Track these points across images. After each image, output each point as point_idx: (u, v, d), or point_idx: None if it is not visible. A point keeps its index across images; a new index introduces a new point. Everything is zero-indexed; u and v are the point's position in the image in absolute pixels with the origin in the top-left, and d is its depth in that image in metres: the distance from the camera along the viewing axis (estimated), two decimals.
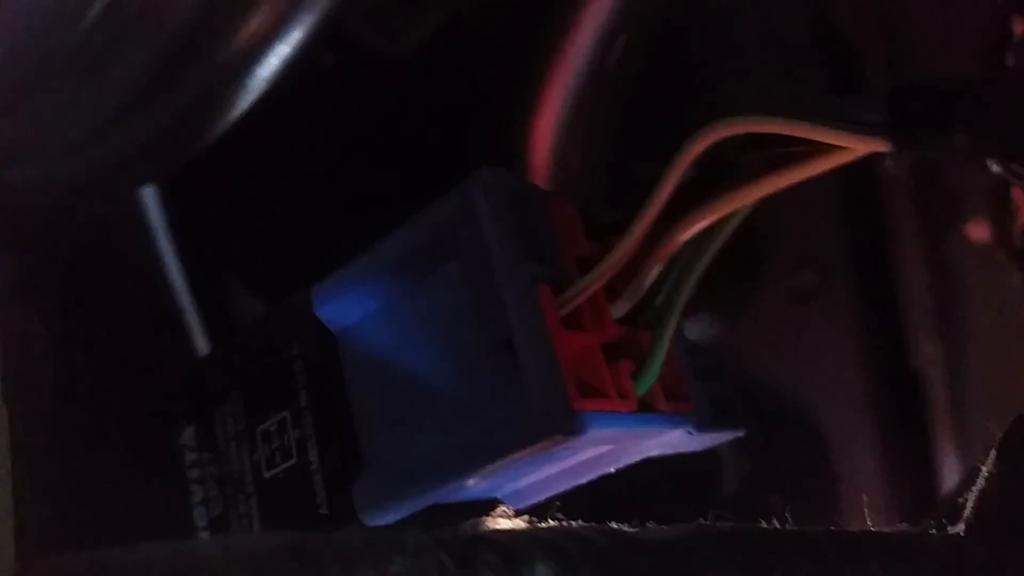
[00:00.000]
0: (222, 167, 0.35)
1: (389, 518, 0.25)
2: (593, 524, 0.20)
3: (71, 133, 0.32)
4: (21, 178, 0.33)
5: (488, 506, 0.27)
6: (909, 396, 0.45)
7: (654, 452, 0.28)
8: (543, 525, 0.20)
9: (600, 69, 0.43)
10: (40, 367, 0.23)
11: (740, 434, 0.29)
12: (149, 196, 0.39)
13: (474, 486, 0.25)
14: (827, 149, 0.23)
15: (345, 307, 0.26)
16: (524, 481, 0.27)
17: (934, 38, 0.42)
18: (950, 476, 0.45)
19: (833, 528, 0.24)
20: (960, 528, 0.25)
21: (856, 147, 0.23)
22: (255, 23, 0.31)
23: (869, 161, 0.23)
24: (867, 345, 0.46)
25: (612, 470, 0.28)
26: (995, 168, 0.21)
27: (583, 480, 0.28)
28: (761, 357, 0.46)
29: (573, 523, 0.21)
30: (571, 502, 0.28)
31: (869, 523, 0.43)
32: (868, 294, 0.45)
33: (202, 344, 0.39)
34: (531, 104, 0.43)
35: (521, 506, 0.28)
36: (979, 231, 0.43)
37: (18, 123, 0.31)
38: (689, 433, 0.26)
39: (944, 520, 0.25)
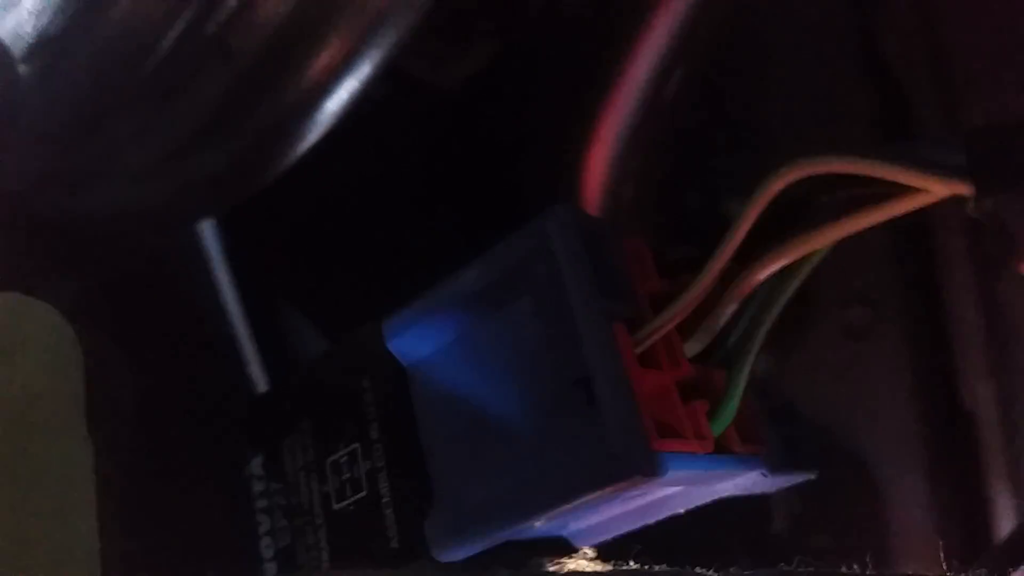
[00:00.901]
0: (278, 199, 0.35)
1: (460, 554, 0.25)
2: (677, 569, 0.20)
3: (139, 162, 0.32)
4: (86, 205, 0.34)
5: (557, 544, 0.27)
6: (961, 436, 0.44)
7: (725, 494, 0.27)
8: (625, 568, 0.20)
9: (655, 103, 0.43)
10: (121, 397, 0.23)
11: (812, 476, 0.28)
12: (206, 227, 0.40)
13: (542, 524, 0.24)
14: (906, 191, 0.23)
15: (416, 340, 0.26)
16: (592, 520, 0.27)
17: (985, 72, 0.41)
18: (1003, 518, 0.44)
19: (910, 574, 0.24)
20: None
21: (937, 190, 0.22)
22: (325, 57, 0.31)
23: None
24: (919, 383, 0.45)
25: (682, 511, 0.28)
26: None
27: (650, 520, 0.28)
28: (811, 394, 0.46)
29: (656, 567, 0.20)
30: (624, 539, 0.28)
31: (918, 566, 0.43)
32: (920, 331, 0.45)
33: (259, 376, 0.39)
34: (584, 137, 0.43)
35: (585, 545, 0.28)
36: None
37: (88, 150, 0.31)
38: (763, 475, 0.26)
39: (1007, 564, 0.25)
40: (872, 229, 0.45)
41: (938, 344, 0.44)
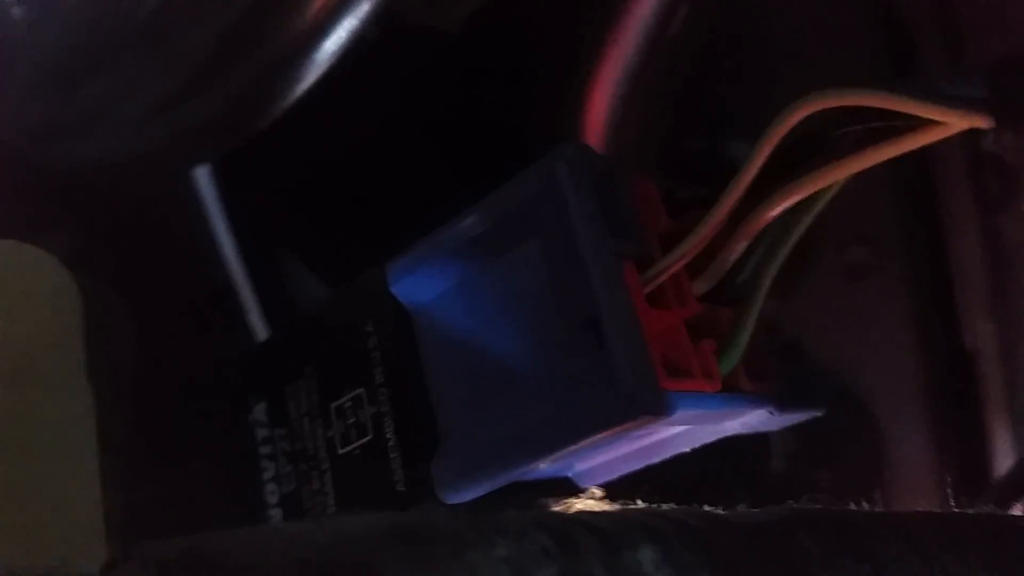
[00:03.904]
0: (273, 145, 0.35)
1: (466, 496, 0.25)
2: (685, 507, 0.20)
3: (134, 109, 0.32)
4: (83, 152, 0.33)
5: (563, 485, 0.27)
6: (962, 374, 0.44)
7: (731, 432, 0.27)
8: (634, 507, 0.20)
9: (659, 42, 0.42)
10: (121, 344, 0.23)
11: (819, 413, 0.28)
12: (201, 174, 0.39)
13: (548, 466, 0.24)
14: (923, 124, 0.23)
15: (421, 284, 0.26)
16: (597, 460, 0.27)
17: (991, 14, 0.41)
18: (1003, 455, 0.44)
19: (920, 510, 0.24)
20: None
21: (956, 123, 0.22)
22: None
23: None
24: (920, 323, 0.45)
25: (687, 450, 0.28)
26: None
27: (655, 460, 0.28)
28: (812, 333, 0.46)
29: (664, 506, 0.20)
30: (629, 479, 0.28)
31: (920, 501, 0.43)
32: (922, 271, 0.45)
33: (259, 324, 0.39)
34: (586, 78, 0.43)
35: (591, 485, 0.28)
36: None
37: (81, 98, 0.31)
38: (771, 413, 0.26)
39: (1008, 499, 0.25)
40: (873, 169, 0.45)
41: (939, 283, 0.44)
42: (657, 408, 0.22)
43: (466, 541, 0.16)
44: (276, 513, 0.29)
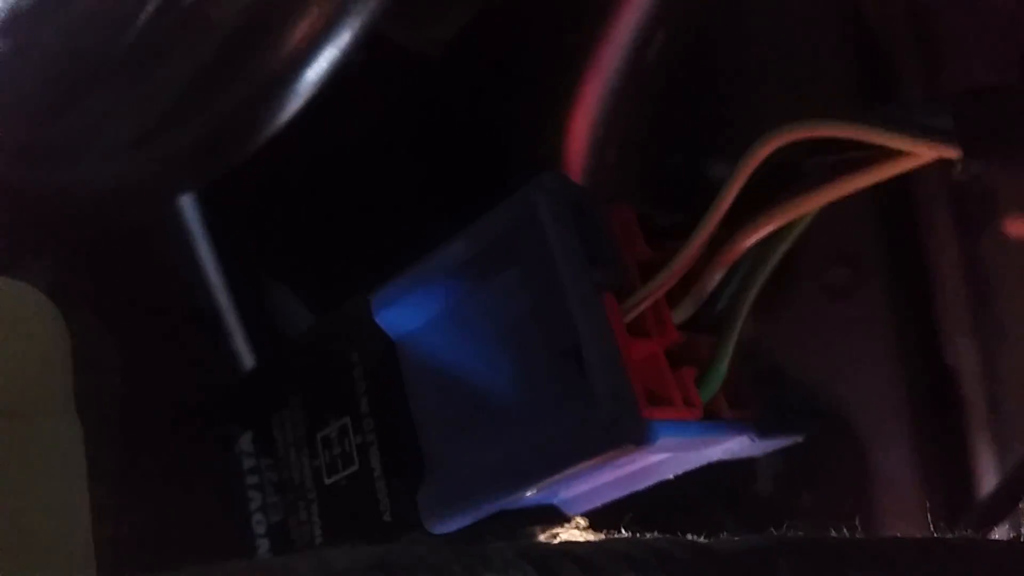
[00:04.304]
0: (259, 172, 0.35)
1: (453, 526, 0.25)
2: (668, 536, 0.20)
3: (119, 134, 0.32)
4: (65, 180, 0.33)
5: (548, 513, 0.27)
6: (944, 394, 0.45)
7: (715, 459, 0.28)
8: (618, 536, 0.20)
9: (638, 66, 0.42)
10: (108, 376, 0.23)
11: (800, 439, 0.29)
12: (185, 202, 0.39)
13: (534, 494, 0.25)
14: (894, 154, 0.23)
15: (404, 313, 0.26)
16: (581, 488, 0.27)
17: (968, 37, 0.41)
18: (986, 475, 0.44)
19: (899, 536, 0.24)
20: (1020, 533, 0.24)
21: (924, 153, 0.23)
22: (305, 25, 0.31)
23: None
24: (902, 342, 0.46)
25: (671, 476, 0.28)
26: None
27: (639, 487, 0.28)
28: (794, 354, 0.46)
29: (647, 535, 0.21)
30: (613, 507, 0.28)
31: (902, 523, 0.43)
32: (903, 290, 0.45)
33: (244, 351, 0.39)
34: (567, 100, 0.43)
35: (576, 512, 0.28)
36: (1016, 227, 0.43)
37: (68, 123, 0.31)
38: (752, 440, 0.26)
39: (991, 520, 0.25)
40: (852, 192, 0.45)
41: (920, 303, 0.45)
42: (638, 437, 0.22)
43: (452, 574, 0.16)
44: (263, 543, 0.29)
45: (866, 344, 0.45)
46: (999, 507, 0.36)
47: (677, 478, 0.29)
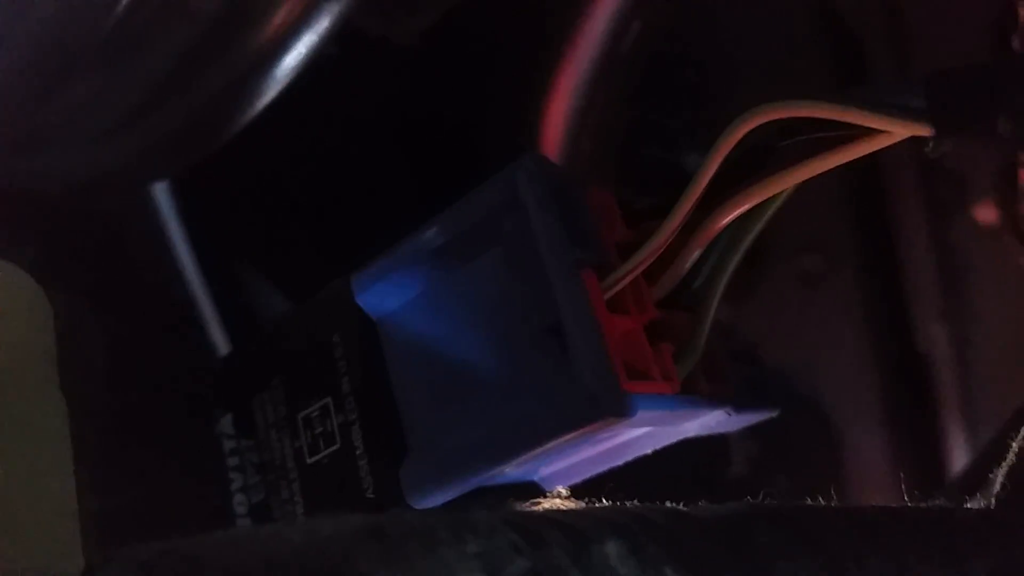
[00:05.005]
0: (233, 159, 0.35)
1: (435, 501, 0.25)
2: (648, 504, 0.21)
3: (97, 122, 0.32)
4: (44, 167, 0.33)
5: (529, 489, 0.27)
6: (916, 378, 0.45)
7: (691, 434, 0.28)
8: (599, 505, 0.21)
9: (613, 56, 0.43)
10: (91, 356, 0.23)
11: (775, 414, 0.29)
12: (160, 190, 0.39)
13: (514, 469, 0.25)
14: (867, 133, 0.23)
15: (386, 294, 0.27)
16: (561, 464, 0.27)
17: (938, 24, 0.42)
18: (958, 458, 0.45)
19: (876, 505, 0.25)
20: (991, 502, 0.25)
21: (897, 131, 0.23)
22: (283, 12, 0.31)
23: None
24: (874, 327, 0.46)
25: (649, 452, 0.28)
26: None
27: (618, 462, 0.29)
28: (768, 340, 0.47)
29: (628, 503, 0.21)
30: (593, 481, 0.28)
31: (875, 501, 0.44)
32: (875, 277, 0.46)
33: (220, 338, 0.39)
34: (543, 91, 0.43)
35: (555, 488, 0.28)
36: (986, 213, 0.43)
37: (46, 112, 0.31)
38: (728, 414, 0.27)
39: (966, 494, 0.26)
40: (825, 178, 0.46)
41: (891, 289, 0.45)
42: (619, 409, 0.23)
43: (438, 539, 0.17)
44: (245, 523, 0.29)
45: (839, 330, 0.46)
46: (971, 482, 0.36)
47: (652, 466, 0.29)
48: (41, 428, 0.20)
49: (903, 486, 0.43)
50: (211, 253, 0.40)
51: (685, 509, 0.21)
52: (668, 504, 0.21)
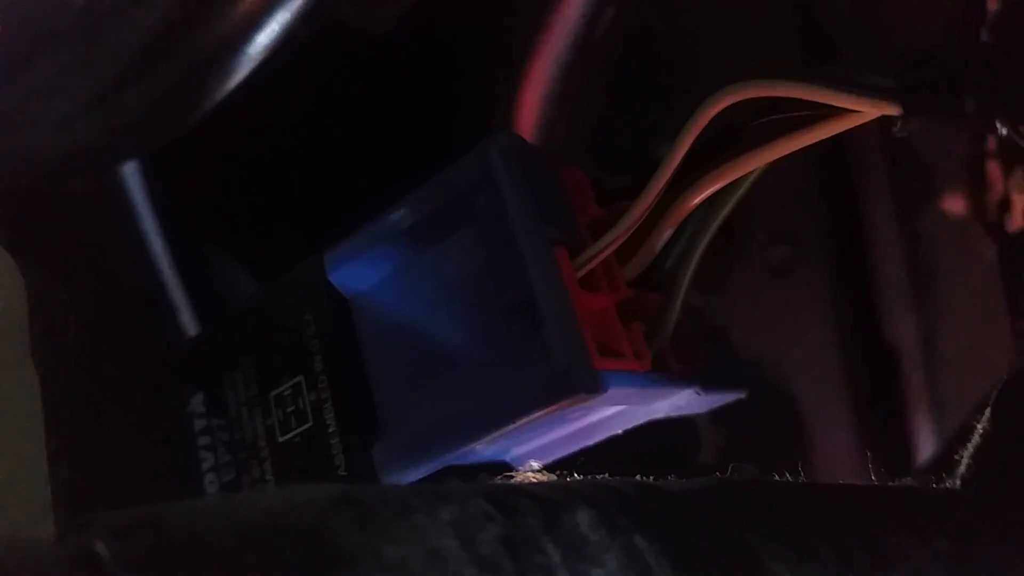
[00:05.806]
0: (202, 141, 0.35)
1: (407, 478, 0.25)
2: (618, 477, 0.21)
3: (67, 103, 0.32)
4: (13, 148, 0.33)
5: (500, 469, 0.27)
6: (884, 368, 0.46)
7: (661, 414, 0.28)
8: (571, 479, 0.21)
9: (587, 43, 0.43)
10: (62, 329, 0.23)
11: (743, 395, 0.29)
12: (130, 171, 0.39)
13: (485, 448, 0.25)
14: (836, 113, 0.24)
15: (358, 272, 0.27)
16: (532, 444, 0.27)
17: (907, 13, 0.42)
18: (924, 446, 0.46)
19: (841, 482, 0.25)
20: (956, 482, 0.25)
21: (866, 111, 0.23)
22: None
23: (842, 134, 0.24)
24: (842, 318, 0.47)
25: (620, 432, 0.28)
26: (1003, 131, 0.22)
27: (589, 443, 0.29)
28: (737, 329, 0.47)
29: (598, 476, 0.21)
30: (563, 460, 0.29)
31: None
32: (843, 268, 0.46)
33: (188, 319, 0.39)
34: (517, 77, 0.43)
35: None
36: (954, 204, 0.44)
37: (16, 91, 0.31)
38: (697, 393, 0.27)
39: (933, 476, 0.26)
40: (794, 169, 0.46)
41: (860, 280, 0.46)
42: (591, 386, 0.23)
43: (412, 506, 0.17)
44: None
45: (807, 320, 0.47)
46: (936, 473, 0.37)
47: (625, 449, 0.29)
48: (12, 396, 0.20)
49: (872, 476, 0.44)
50: (181, 233, 0.40)
51: (657, 483, 0.21)
52: (639, 477, 0.21)
